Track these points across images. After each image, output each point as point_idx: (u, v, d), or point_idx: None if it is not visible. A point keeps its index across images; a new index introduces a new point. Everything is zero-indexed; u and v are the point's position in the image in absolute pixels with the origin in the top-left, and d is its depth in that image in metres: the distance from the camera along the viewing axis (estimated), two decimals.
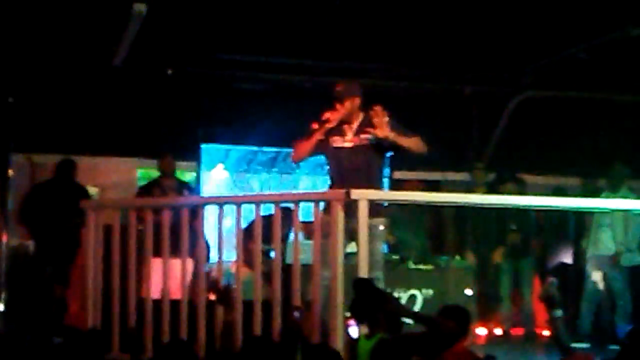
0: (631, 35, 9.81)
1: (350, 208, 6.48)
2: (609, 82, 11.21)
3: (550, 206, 7.53)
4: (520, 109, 11.71)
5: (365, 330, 5.75)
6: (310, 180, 11.78)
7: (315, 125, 7.12)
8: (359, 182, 6.75)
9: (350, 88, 7.22)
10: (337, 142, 7.11)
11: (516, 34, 9.96)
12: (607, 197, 9.22)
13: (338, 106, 7.10)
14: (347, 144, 7.10)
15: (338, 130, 7.11)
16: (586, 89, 11.39)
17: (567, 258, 10.21)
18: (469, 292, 9.20)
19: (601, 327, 9.56)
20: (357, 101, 7.18)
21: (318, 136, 7.08)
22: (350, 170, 7.00)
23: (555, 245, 10.43)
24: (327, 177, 7.27)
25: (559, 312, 8.53)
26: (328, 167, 7.21)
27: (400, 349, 5.12)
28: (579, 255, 10.03)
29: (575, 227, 10.09)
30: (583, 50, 10.39)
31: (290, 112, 10.94)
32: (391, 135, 6.96)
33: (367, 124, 7.06)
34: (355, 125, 7.11)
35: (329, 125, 7.08)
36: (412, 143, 7.03)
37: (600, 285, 9.60)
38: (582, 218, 9.83)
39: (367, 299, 5.76)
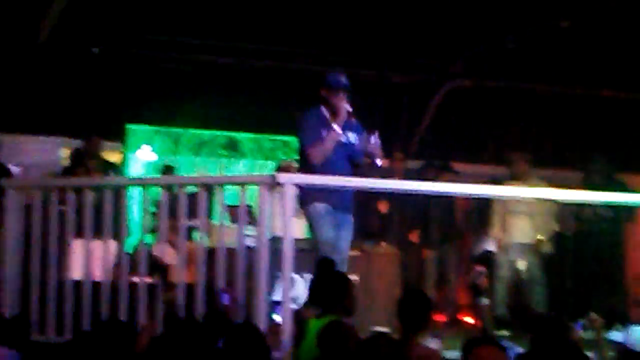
0: (560, 26, 9.92)
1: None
2: (537, 73, 11.33)
3: (468, 193, 7.65)
4: (448, 98, 11.78)
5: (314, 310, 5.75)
6: (246, 165, 11.70)
7: (330, 118, 6.97)
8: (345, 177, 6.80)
9: (347, 80, 7.12)
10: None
11: (446, 23, 10.00)
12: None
13: (343, 99, 6.98)
14: (340, 139, 7.00)
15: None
16: (515, 79, 11.50)
17: (492, 246, 10.28)
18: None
19: (521, 315, 9.64)
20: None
21: (338, 130, 6.93)
22: (336, 164, 6.95)
23: (479, 233, 10.50)
24: (300, 168, 7.17)
25: (485, 300, 8.61)
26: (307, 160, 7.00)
27: (349, 332, 5.09)
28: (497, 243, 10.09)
29: (480, 213, 10.14)
30: (512, 40, 10.47)
31: (218, 94, 10.89)
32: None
33: (351, 124, 7.04)
34: (340, 121, 6.99)
35: (340, 120, 6.94)
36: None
37: (523, 273, 9.69)
38: (487, 205, 9.87)
39: (327, 280, 5.76)
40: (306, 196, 6.93)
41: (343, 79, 7.07)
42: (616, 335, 6.20)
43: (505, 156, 9.84)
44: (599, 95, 11.86)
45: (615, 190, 8.18)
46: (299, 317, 6.03)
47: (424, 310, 5.64)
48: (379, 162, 7.03)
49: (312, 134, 6.95)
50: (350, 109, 6.97)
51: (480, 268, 9.26)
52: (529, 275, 9.58)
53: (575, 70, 10.97)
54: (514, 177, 9.56)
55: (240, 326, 5.29)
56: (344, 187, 6.81)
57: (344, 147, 7.05)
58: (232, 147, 11.75)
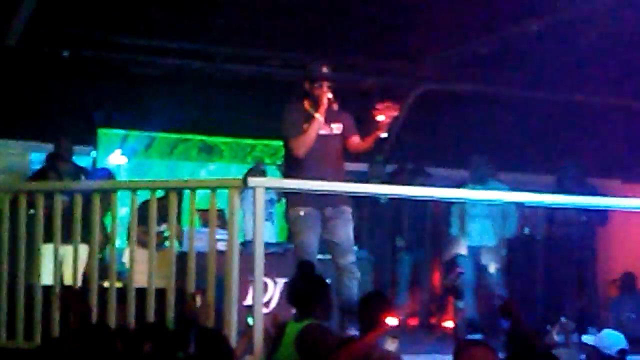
0: (530, 30, 9.95)
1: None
2: (508, 77, 11.37)
3: (440, 197, 7.71)
4: (421, 101, 11.78)
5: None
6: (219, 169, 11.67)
7: (312, 110, 6.92)
8: (331, 171, 6.82)
9: (330, 70, 7.06)
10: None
11: (418, 25, 10.01)
12: (474, 189, 9.29)
13: (325, 89, 6.92)
14: (324, 131, 6.95)
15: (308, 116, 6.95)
16: (486, 83, 11.53)
17: (463, 250, 10.30)
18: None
19: (489, 319, 9.66)
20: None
21: (320, 119, 6.86)
22: (323, 158, 6.91)
23: (450, 237, 10.51)
24: (285, 165, 7.14)
25: (461, 304, 8.63)
26: (291, 155, 6.95)
27: (327, 336, 5.08)
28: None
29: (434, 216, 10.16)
30: (484, 44, 10.50)
31: (189, 98, 10.86)
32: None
33: (333, 115, 6.98)
34: (323, 111, 6.92)
35: (323, 109, 6.87)
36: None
37: (493, 277, 9.69)
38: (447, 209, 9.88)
39: (306, 284, 5.74)
40: (288, 200, 6.94)
41: (324, 69, 7.02)
42: (588, 339, 6.22)
43: (467, 159, 9.88)
44: (572, 100, 11.92)
45: (586, 195, 8.23)
46: (276, 321, 6.02)
47: (376, 311, 5.63)
48: (384, 135, 6.89)
49: (293, 127, 6.90)
50: (332, 97, 6.91)
51: (460, 270, 9.26)
52: (496, 277, 9.60)
53: (546, 74, 11.00)
54: (474, 180, 9.59)
55: (206, 333, 5.27)
56: (318, 190, 6.77)
57: (327, 139, 6.97)
58: (205, 151, 11.71)
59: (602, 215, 9.59)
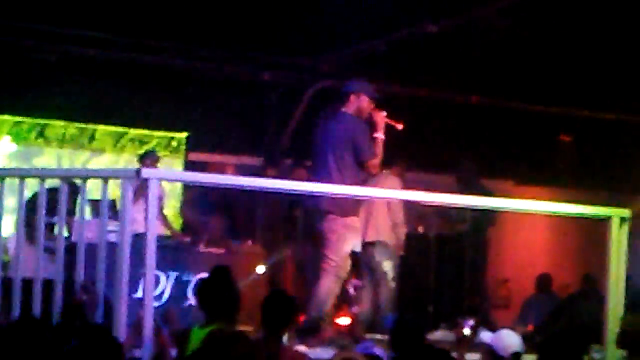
0: (428, 31, 10.03)
1: None
2: (407, 76, 11.44)
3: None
4: (318, 98, 11.78)
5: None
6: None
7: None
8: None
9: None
10: None
11: (317, 21, 10.00)
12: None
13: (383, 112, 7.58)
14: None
15: None
16: (385, 82, 11.57)
17: (358, 247, 10.31)
18: (260, 269, 9.24)
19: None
20: None
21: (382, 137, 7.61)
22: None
23: None
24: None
25: (356, 308, 8.64)
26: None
27: (237, 341, 4.97)
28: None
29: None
30: (382, 43, 10.55)
31: (84, 86, 10.64)
32: None
33: None
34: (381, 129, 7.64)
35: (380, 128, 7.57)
36: None
37: (390, 275, 9.71)
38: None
39: (220, 290, 5.61)
40: (334, 207, 7.39)
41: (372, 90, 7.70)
42: (485, 336, 6.27)
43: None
44: (469, 100, 12.06)
45: (478, 195, 8.31)
46: (169, 317, 5.92)
47: (287, 312, 5.59)
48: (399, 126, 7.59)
49: (370, 148, 7.48)
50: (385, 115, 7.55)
51: (356, 282, 9.28)
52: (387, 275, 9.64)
53: (444, 75, 11.11)
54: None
55: (91, 327, 5.14)
56: (234, 186, 6.77)
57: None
58: (94, 140, 11.45)
59: (492, 215, 9.72)
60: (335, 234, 7.54)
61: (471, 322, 6.96)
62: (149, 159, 9.76)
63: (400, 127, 7.58)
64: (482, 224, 9.96)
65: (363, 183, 7.53)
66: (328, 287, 7.58)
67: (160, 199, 9.77)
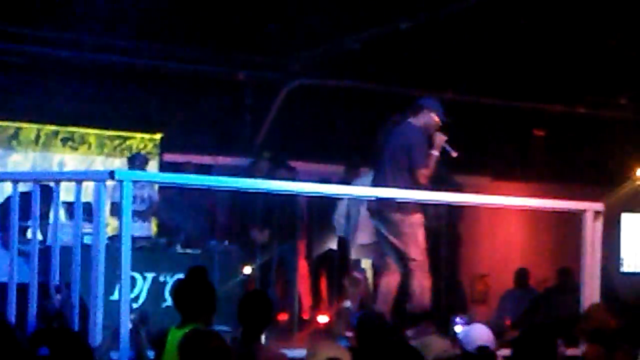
0: (400, 29, 10.06)
1: None
2: (380, 74, 11.46)
3: (314, 192, 7.79)
4: (293, 96, 11.79)
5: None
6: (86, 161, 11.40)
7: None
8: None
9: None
10: None
11: (291, 20, 10.02)
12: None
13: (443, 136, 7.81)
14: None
15: None
16: (359, 79, 11.60)
17: (333, 244, 10.35)
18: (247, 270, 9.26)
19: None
20: None
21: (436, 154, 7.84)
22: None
23: (321, 232, 10.54)
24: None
25: (347, 303, 8.68)
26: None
27: (212, 341, 4.95)
28: (344, 243, 10.15)
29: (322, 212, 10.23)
30: (355, 41, 10.57)
31: (54, 88, 10.57)
32: None
33: None
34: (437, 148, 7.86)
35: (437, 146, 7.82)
36: None
37: (369, 274, 9.74)
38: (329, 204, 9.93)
39: (197, 290, 5.58)
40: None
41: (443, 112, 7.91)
42: (458, 328, 6.25)
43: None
44: (441, 97, 12.05)
45: (451, 191, 8.34)
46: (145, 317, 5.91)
47: (265, 312, 5.60)
48: (454, 154, 7.81)
49: (424, 159, 7.70)
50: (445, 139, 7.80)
51: (359, 275, 9.31)
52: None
53: (419, 72, 11.13)
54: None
55: (61, 332, 5.11)
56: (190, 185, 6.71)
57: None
58: (72, 142, 11.39)
59: (459, 210, 9.77)
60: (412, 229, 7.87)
61: (462, 320, 6.96)
62: (137, 160, 9.76)
63: (455, 154, 7.82)
64: (455, 220, 10.00)
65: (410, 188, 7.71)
66: (420, 284, 7.77)
67: (155, 203, 9.80)
